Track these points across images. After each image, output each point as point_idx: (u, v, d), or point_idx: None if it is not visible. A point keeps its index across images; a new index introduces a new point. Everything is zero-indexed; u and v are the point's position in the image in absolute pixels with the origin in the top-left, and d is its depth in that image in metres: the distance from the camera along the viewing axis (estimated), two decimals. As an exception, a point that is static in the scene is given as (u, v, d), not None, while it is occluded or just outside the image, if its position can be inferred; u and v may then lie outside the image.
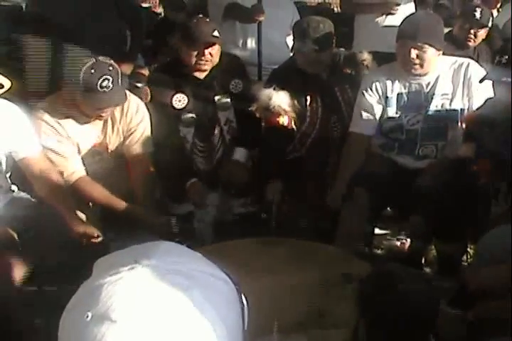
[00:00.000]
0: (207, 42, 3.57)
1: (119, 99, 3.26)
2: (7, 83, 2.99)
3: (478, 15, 4.32)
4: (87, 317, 0.87)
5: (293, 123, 3.76)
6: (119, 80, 3.19)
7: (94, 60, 3.13)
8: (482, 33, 4.43)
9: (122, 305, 0.88)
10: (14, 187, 3.14)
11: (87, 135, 3.39)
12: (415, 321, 1.95)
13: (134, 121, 3.46)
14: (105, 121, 3.42)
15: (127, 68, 4.31)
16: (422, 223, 3.15)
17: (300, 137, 3.79)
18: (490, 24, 4.54)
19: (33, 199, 3.14)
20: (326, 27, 3.66)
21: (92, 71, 3.10)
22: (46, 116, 3.26)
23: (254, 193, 3.80)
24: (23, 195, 3.16)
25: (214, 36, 3.59)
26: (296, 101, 3.71)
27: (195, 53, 3.59)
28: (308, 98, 3.75)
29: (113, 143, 3.48)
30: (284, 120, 3.71)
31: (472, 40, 4.39)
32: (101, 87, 3.10)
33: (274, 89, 3.66)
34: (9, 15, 4.22)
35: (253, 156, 3.85)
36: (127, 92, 3.42)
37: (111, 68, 3.16)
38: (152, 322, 0.87)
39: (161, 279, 0.91)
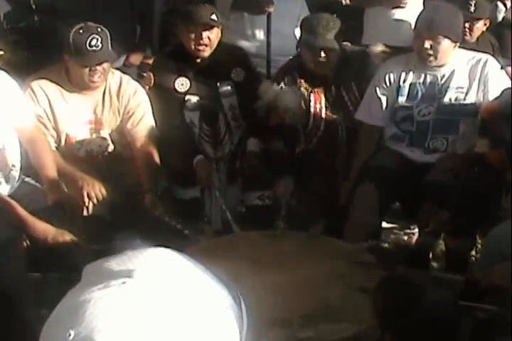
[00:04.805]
0: (204, 24, 3.60)
1: (108, 57, 3.32)
2: None
3: (472, 8, 4.22)
4: (69, 335, 0.80)
5: (298, 121, 3.74)
6: (109, 42, 3.26)
7: (83, 24, 3.24)
8: (479, 26, 4.31)
9: (109, 326, 0.80)
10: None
11: (79, 108, 3.42)
12: (439, 329, 1.94)
13: (131, 103, 3.49)
14: (103, 98, 3.44)
15: (136, 59, 4.33)
16: (447, 219, 3.12)
17: (305, 136, 3.77)
18: (500, 17, 4.48)
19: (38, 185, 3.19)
20: (335, 25, 3.58)
21: (81, 31, 3.21)
22: (33, 83, 3.33)
23: (272, 186, 3.78)
24: (28, 179, 3.22)
25: (212, 19, 3.61)
26: (301, 101, 3.69)
27: (193, 36, 3.62)
28: (313, 98, 3.72)
29: (109, 122, 3.50)
30: (291, 117, 3.69)
31: (468, 34, 4.29)
32: (90, 45, 3.18)
33: (281, 88, 3.65)
34: (18, 5, 4.21)
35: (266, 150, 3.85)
36: (126, 76, 3.51)
37: (99, 29, 3.25)
38: None
39: (154, 297, 0.84)
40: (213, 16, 3.62)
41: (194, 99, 3.75)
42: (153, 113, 3.56)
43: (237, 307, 0.94)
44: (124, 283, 0.84)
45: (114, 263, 0.90)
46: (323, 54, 3.57)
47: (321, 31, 3.53)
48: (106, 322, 0.80)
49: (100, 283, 0.85)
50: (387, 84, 3.54)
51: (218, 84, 3.80)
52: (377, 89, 3.56)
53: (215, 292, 0.91)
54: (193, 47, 3.65)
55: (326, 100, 3.73)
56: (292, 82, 3.68)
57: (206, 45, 3.65)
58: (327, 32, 3.53)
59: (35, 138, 3.20)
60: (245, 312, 0.96)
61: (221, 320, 0.88)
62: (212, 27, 3.63)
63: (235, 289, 0.96)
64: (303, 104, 3.69)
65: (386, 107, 3.55)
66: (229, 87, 3.82)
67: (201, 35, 3.61)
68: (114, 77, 3.47)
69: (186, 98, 3.73)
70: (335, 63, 3.66)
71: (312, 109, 3.72)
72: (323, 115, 3.73)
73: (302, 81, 3.70)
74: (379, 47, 3.78)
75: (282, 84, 3.67)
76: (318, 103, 3.73)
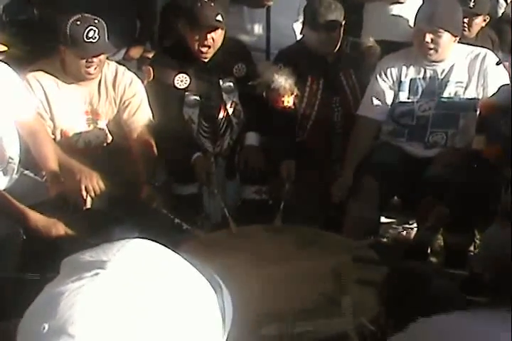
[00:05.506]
0: (210, 27, 3.57)
1: (105, 49, 3.32)
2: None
3: (471, 3, 4.20)
4: (44, 328, 0.80)
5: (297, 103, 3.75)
6: (105, 34, 3.26)
7: (79, 15, 3.24)
8: (478, 22, 4.29)
9: (82, 318, 0.80)
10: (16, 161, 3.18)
11: (75, 99, 3.42)
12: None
13: (127, 93, 3.49)
14: (98, 89, 3.45)
15: (136, 53, 4.33)
16: (447, 214, 3.12)
17: (300, 120, 3.79)
18: (501, 12, 4.46)
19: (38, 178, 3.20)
20: (337, 7, 3.66)
21: (78, 23, 3.21)
22: (29, 75, 3.33)
23: (270, 181, 3.78)
24: (27, 172, 3.23)
25: (217, 21, 3.57)
26: (297, 81, 3.69)
27: (198, 37, 3.60)
28: (310, 78, 3.74)
29: (106, 112, 3.50)
30: (288, 100, 3.68)
31: (467, 30, 4.26)
32: (87, 37, 3.19)
33: (280, 68, 3.65)
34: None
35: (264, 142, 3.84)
36: (122, 67, 3.52)
37: (96, 21, 3.25)
38: (114, 339, 0.79)
39: (127, 288, 0.83)
40: (218, 17, 3.57)
41: (194, 96, 3.72)
42: (151, 108, 3.54)
43: (218, 297, 0.93)
44: (97, 274, 0.85)
45: (88, 256, 0.90)
46: (324, 33, 3.62)
47: (322, 11, 3.61)
48: (79, 313, 0.80)
49: (74, 275, 0.85)
50: (389, 79, 3.55)
51: (220, 80, 3.78)
52: (379, 83, 3.57)
53: (192, 281, 0.91)
54: (196, 47, 3.62)
55: (323, 82, 3.76)
56: (291, 62, 3.68)
57: (210, 47, 3.62)
58: (329, 11, 3.62)
59: (36, 130, 3.20)
60: (229, 303, 0.95)
61: (198, 309, 0.88)
62: (216, 28, 3.60)
63: (216, 279, 0.96)
64: (299, 83, 3.68)
65: (387, 102, 3.56)
66: (231, 83, 3.81)
67: (206, 36, 3.57)
68: (110, 67, 3.48)
69: (186, 94, 3.71)
70: (336, 45, 3.71)
71: (308, 89, 3.74)
72: (318, 98, 3.75)
73: (301, 62, 3.71)
74: (369, 43, 3.78)
75: (281, 64, 3.66)
76: (314, 84, 3.75)
